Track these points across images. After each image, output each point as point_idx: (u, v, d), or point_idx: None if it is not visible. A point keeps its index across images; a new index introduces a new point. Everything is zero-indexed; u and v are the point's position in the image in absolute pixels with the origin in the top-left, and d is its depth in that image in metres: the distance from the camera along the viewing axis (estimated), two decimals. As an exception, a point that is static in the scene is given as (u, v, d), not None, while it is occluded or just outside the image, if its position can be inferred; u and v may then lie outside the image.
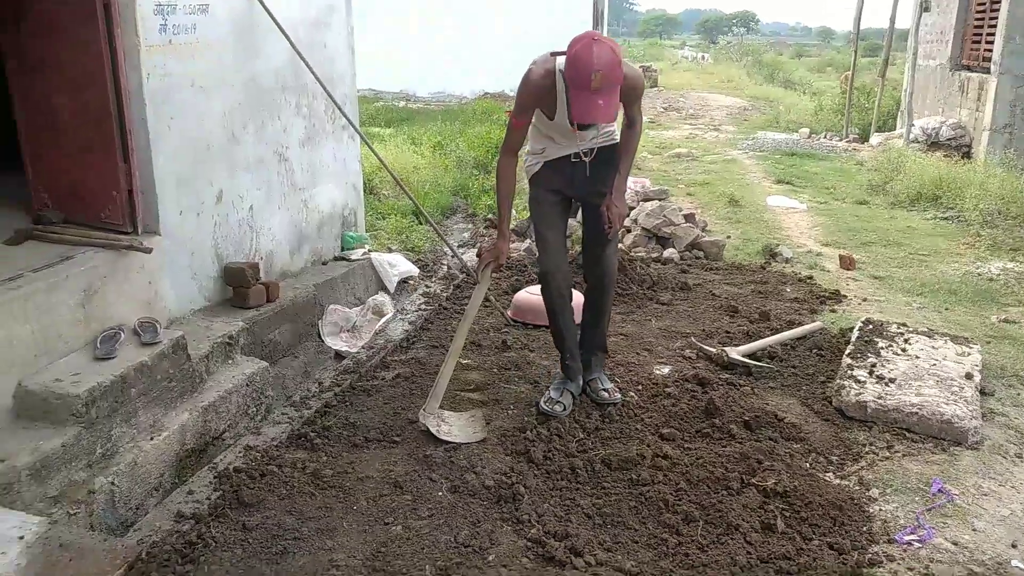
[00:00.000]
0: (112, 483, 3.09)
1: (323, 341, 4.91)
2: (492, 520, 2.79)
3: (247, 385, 3.91)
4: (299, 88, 5.02)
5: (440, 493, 2.94)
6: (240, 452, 3.24)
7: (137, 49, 3.73)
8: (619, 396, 3.67)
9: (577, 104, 3.09)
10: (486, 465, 3.12)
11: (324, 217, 5.56)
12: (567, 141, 3.44)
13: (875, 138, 12.78)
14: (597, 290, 3.66)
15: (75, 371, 3.25)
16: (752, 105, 19.51)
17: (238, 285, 4.41)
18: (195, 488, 2.98)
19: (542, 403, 3.60)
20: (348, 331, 5.05)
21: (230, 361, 4.01)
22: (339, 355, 4.82)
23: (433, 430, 3.34)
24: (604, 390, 3.69)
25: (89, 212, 3.94)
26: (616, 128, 3.57)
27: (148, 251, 3.76)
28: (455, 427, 3.43)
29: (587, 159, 3.46)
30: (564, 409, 3.56)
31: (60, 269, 3.46)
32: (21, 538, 2.46)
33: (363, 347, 4.53)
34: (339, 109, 5.06)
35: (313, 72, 4.83)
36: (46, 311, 3.29)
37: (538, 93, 3.30)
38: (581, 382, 3.72)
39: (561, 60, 3.17)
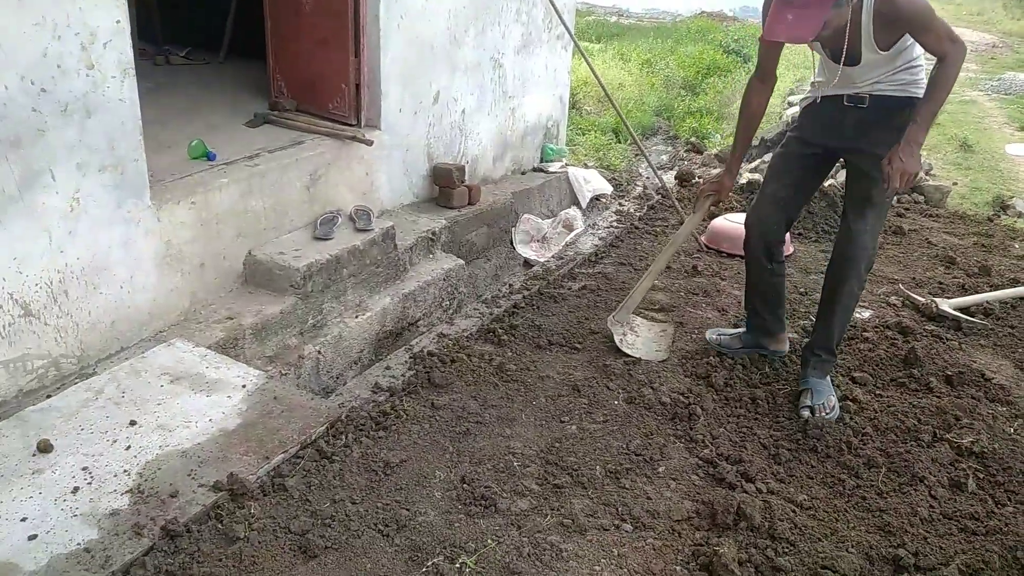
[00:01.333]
0: (319, 352, 3.43)
1: (514, 248, 5.07)
2: (665, 435, 2.84)
3: (444, 279, 4.15)
4: (520, -6, 5.06)
5: (616, 402, 3.02)
6: (434, 338, 3.46)
7: (375, -51, 3.91)
8: (832, 414, 2.95)
9: (771, 16, 2.60)
10: (664, 383, 3.15)
11: (528, 127, 5.65)
12: (834, 77, 2.85)
13: None
14: (833, 272, 2.99)
15: (297, 247, 3.59)
16: (1003, 42, 17.36)
17: (445, 185, 4.63)
18: (392, 365, 3.24)
19: (708, 333, 3.49)
20: (538, 241, 5.18)
21: (431, 255, 4.26)
22: (527, 263, 4.97)
23: (617, 340, 3.40)
24: (807, 407, 2.95)
25: (319, 102, 4.26)
26: (920, 75, 2.81)
27: (369, 143, 4.03)
28: (640, 339, 3.47)
29: (861, 106, 2.83)
30: (720, 344, 3.37)
31: (291, 152, 3.79)
32: (243, 386, 2.81)
33: (552, 257, 4.64)
34: (559, 15, 5.05)
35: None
36: (277, 189, 3.62)
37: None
38: (766, 343, 3.32)
39: None
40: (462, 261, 4.34)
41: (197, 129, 3.86)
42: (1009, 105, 10.03)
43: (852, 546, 2.33)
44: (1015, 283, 4.24)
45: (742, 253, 3.44)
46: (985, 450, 2.76)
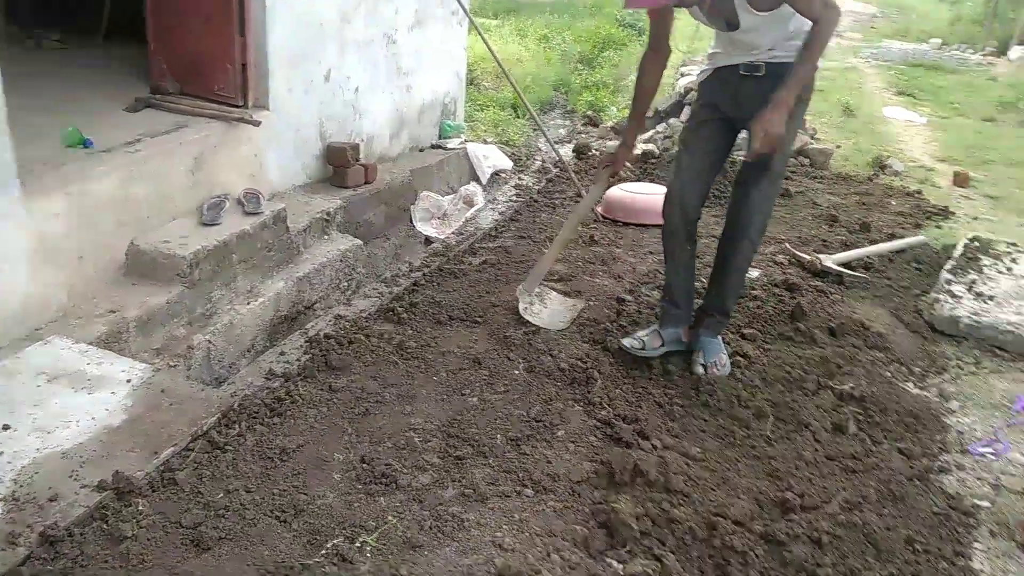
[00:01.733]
0: (209, 341, 3.32)
1: (414, 225, 5.04)
2: (564, 400, 2.88)
3: (340, 260, 4.08)
4: (412, -32, 4.99)
5: (516, 371, 3.04)
6: (331, 320, 3.41)
7: (257, -76, 3.78)
8: (723, 371, 3.05)
9: None
10: (563, 350, 3.19)
11: (425, 103, 5.60)
12: (729, 47, 2.86)
13: (1015, 52, 11.78)
14: (729, 237, 3.01)
15: (183, 234, 3.46)
16: (882, 13, 18.18)
17: (339, 164, 4.54)
18: (286, 350, 3.17)
19: (623, 340, 3.19)
20: (439, 218, 5.15)
21: (326, 236, 4.18)
22: (428, 240, 4.95)
23: (521, 308, 3.43)
24: (701, 364, 3.06)
25: (204, 84, 4.09)
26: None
27: (257, 124, 3.91)
28: (547, 311, 3.50)
29: (757, 74, 2.81)
30: (643, 347, 3.13)
31: (175, 136, 3.64)
32: (128, 381, 2.70)
33: (452, 233, 4.63)
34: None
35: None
36: (160, 175, 3.48)
37: None
38: (681, 335, 3.18)
39: None
40: (359, 241, 4.27)
41: (73, 116, 3.67)
42: (887, 71, 10.53)
43: (743, 492, 2.43)
44: (892, 237, 4.47)
45: (637, 222, 3.48)
46: (864, 394, 2.92)
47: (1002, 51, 12.23)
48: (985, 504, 2.43)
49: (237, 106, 4.01)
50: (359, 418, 2.69)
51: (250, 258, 3.62)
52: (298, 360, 3.09)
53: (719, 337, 3.17)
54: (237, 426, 2.57)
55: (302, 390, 2.82)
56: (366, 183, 4.65)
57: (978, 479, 2.56)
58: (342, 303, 3.74)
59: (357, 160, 4.60)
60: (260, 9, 3.90)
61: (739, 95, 2.87)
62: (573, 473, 2.48)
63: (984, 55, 12.05)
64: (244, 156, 3.96)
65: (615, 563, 2.12)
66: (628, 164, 4.97)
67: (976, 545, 2.28)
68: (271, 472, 2.38)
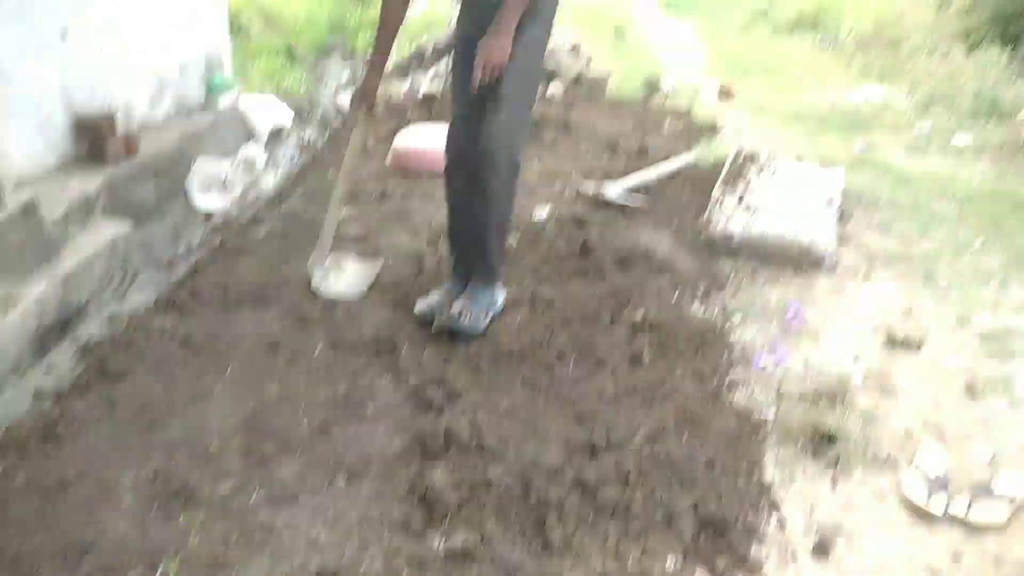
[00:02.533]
0: (-37, 366, 2.94)
1: (191, 199, 4.67)
2: (371, 374, 2.82)
3: (109, 250, 3.71)
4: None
5: (318, 351, 2.93)
6: (104, 322, 3.12)
7: None
8: (468, 324, 2.96)
9: None
10: (365, 319, 3.11)
11: (187, 60, 5.13)
12: None
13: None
14: (468, 182, 2.90)
15: (-93, 247, 3.00)
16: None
17: (94, 139, 4.09)
18: (55, 363, 2.87)
19: (417, 305, 3.13)
20: (218, 187, 4.81)
21: (90, 225, 3.78)
22: (208, 214, 4.61)
23: (313, 285, 3.28)
24: (456, 313, 2.97)
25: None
26: None
27: (-23, 104, 3.41)
28: (344, 280, 3.37)
29: None
30: (432, 311, 3.05)
31: None
32: None
33: (233, 203, 4.34)
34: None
35: None
36: None
37: None
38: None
39: None
40: (129, 225, 3.90)
41: None
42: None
43: (553, 440, 2.49)
44: (667, 158, 4.69)
45: (430, 170, 3.34)
46: (655, 322, 3.07)
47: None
48: (770, 415, 2.64)
49: (-47, 83, 3.48)
50: (146, 430, 2.49)
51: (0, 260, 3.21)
52: (70, 372, 2.80)
53: (493, 286, 3.09)
54: (3, 462, 2.30)
55: (77, 407, 2.56)
56: (129, 156, 4.23)
57: (763, 389, 2.78)
58: (116, 299, 3.42)
59: (114, 131, 4.16)
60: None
61: (482, 14, 2.68)
62: (386, 451, 2.43)
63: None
64: (-28, 144, 3.46)
65: (437, 539, 2.11)
66: (382, 100, 4.76)
67: (767, 457, 2.48)
68: (50, 509, 2.15)
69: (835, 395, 2.72)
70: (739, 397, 2.75)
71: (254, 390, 2.69)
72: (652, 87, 6.27)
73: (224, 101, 5.43)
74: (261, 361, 2.85)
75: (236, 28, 6.65)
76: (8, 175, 3.57)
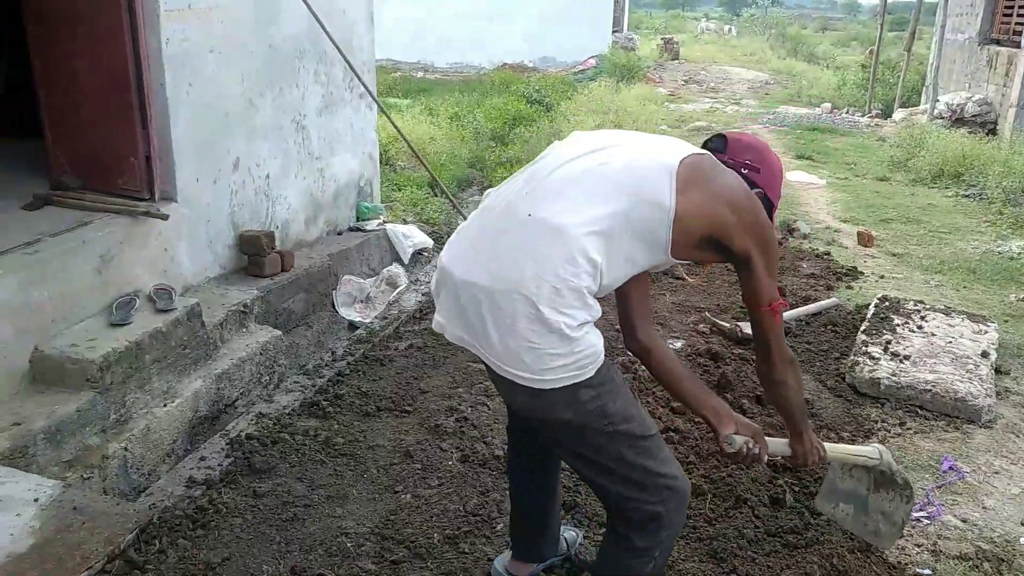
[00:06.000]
0: (125, 449, 3.13)
1: (337, 311, 4.93)
2: (501, 490, 2.80)
3: (260, 353, 3.94)
4: (318, 55, 5.00)
5: (450, 463, 2.96)
6: (252, 419, 3.27)
7: (157, 13, 3.72)
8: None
9: None
10: (496, 435, 3.13)
11: (340, 187, 5.55)
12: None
13: (898, 114, 12.59)
14: None
15: (91, 336, 3.28)
16: (774, 79, 19.26)
17: (253, 253, 4.43)
18: (207, 455, 3.02)
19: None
20: (362, 302, 5.06)
21: (244, 329, 4.04)
22: (352, 325, 4.84)
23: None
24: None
25: (107, 178, 3.95)
26: None
27: (165, 217, 3.78)
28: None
29: None
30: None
31: (78, 234, 3.48)
32: (36, 500, 2.50)
33: (376, 318, 4.54)
34: (357, 76, 5.03)
35: (332, 39, 4.80)
36: (63, 276, 3.31)
37: None
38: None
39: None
40: (279, 332, 4.14)
41: (-37, 217, 3.48)
42: (784, 135, 11.06)
43: (688, 577, 2.38)
44: (807, 300, 4.61)
45: None
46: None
47: (887, 113, 13.06)
48: (927, 572, 2.45)
49: (143, 199, 3.88)
50: (287, 524, 2.56)
51: (164, 357, 3.46)
52: (220, 465, 2.93)
53: None
54: (157, 542, 2.41)
55: (225, 497, 2.67)
56: (283, 271, 4.54)
57: (917, 546, 2.59)
58: (264, 399, 3.60)
59: (272, 248, 4.49)
60: (162, 99, 3.81)
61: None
62: (516, 569, 2.39)
63: (871, 117, 12.82)
64: (153, 251, 3.82)
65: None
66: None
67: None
68: (195, 593, 2.22)
69: (1000, 559, 2.50)
70: (891, 551, 2.56)
71: (389, 496, 2.73)
72: (788, 229, 6.25)
73: (372, 224, 5.80)
74: (397, 468, 2.90)
75: (384, 160, 7.15)
76: (178, 283, 3.91)
